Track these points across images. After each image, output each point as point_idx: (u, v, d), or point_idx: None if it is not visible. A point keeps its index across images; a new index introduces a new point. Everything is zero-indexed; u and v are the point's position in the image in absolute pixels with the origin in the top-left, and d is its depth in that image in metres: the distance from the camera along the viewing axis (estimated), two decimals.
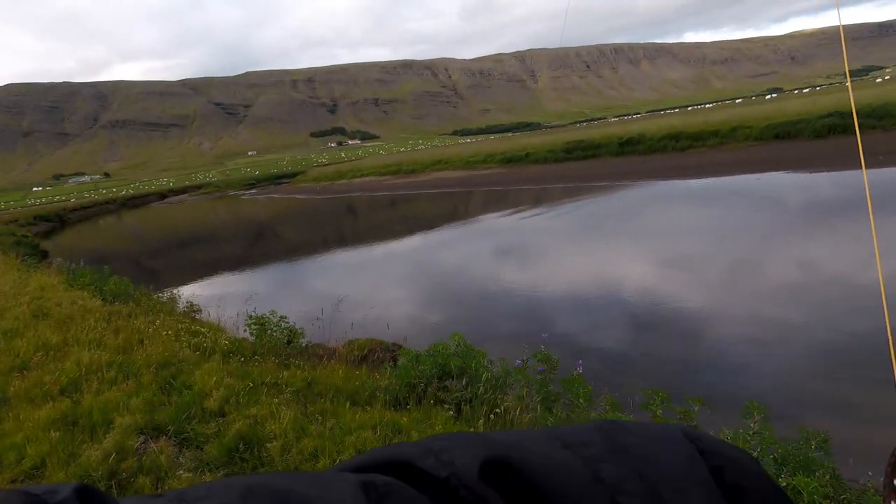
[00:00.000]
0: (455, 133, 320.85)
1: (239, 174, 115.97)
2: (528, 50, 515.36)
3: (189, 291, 13.19)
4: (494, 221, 20.19)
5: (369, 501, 0.27)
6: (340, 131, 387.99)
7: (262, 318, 5.52)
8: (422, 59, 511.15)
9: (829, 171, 19.13)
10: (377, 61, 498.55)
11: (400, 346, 7.76)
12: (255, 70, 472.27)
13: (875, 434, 4.56)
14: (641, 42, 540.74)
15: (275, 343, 5.15)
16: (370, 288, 13.17)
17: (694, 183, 22.02)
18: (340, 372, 4.60)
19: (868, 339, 6.63)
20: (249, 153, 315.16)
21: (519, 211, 21.65)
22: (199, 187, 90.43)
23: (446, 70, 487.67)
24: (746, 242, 12.22)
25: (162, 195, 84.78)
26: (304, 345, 5.67)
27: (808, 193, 16.95)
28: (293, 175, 76.87)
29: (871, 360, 6.14)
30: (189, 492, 0.27)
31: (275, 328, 5.44)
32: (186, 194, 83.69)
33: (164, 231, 40.68)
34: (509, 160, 37.82)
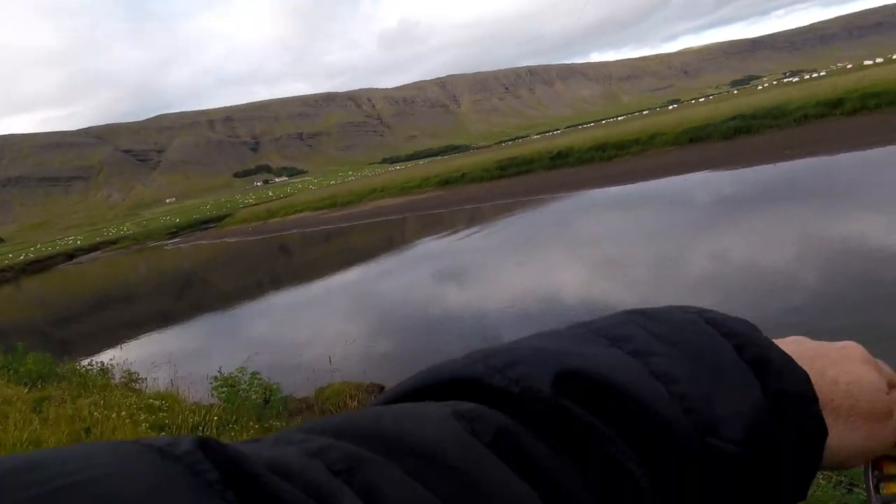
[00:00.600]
0: (384, 161, 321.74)
1: (158, 224, 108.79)
2: (449, 76, 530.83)
3: (119, 358, 11.76)
4: (441, 244, 19.93)
5: (464, 431, 0.26)
6: (265, 169, 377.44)
7: (231, 377, 4.75)
8: (344, 90, 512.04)
9: (745, 167, 20.57)
10: (298, 95, 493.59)
11: (380, 387, 7.15)
12: (166, 113, 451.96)
13: None
14: (553, 63, 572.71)
15: (251, 405, 4.42)
16: (322, 328, 12.37)
17: (626, 188, 22.94)
18: None
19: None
20: (167, 200, 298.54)
21: (464, 230, 21.55)
22: (113, 242, 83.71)
23: (369, 100, 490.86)
24: (692, 238, 12.67)
25: (69, 255, 77.53)
26: (284, 405, 4.95)
27: (735, 188, 18.04)
28: (220, 219, 73.15)
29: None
30: (287, 435, 0.27)
31: (247, 388, 4.70)
32: (99, 251, 77.25)
33: (76, 295, 37.04)
34: (446, 182, 38.00)
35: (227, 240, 45.47)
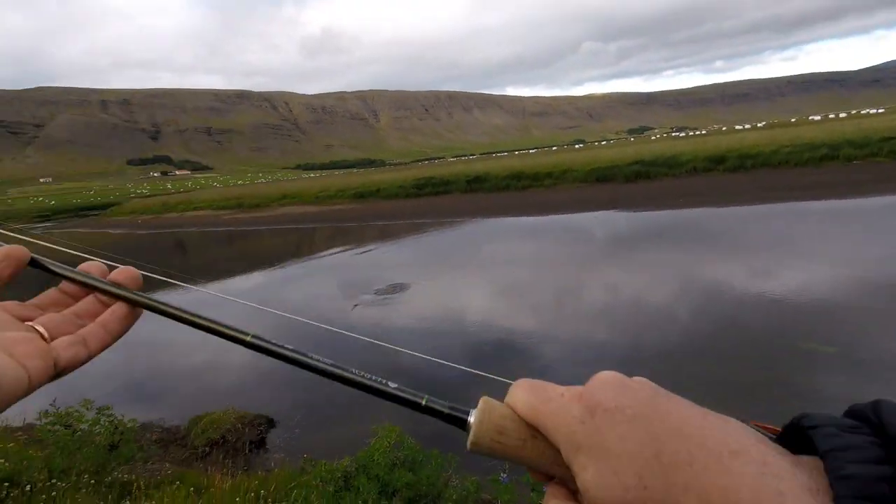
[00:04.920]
0: (298, 167, 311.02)
1: (26, 204, 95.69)
2: (370, 90, 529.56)
3: None
4: (347, 257, 19.07)
5: None
6: (165, 160, 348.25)
7: (69, 413, 3.70)
8: (260, 90, 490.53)
9: (646, 210, 22.06)
10: (209, 89, 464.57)
11: (268, 419, 6.25)
12: (50, 86, 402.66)
13: None
14: (472, 91, 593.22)
15: (91, 451, 3.42)
16: (209, 341, 11.02)
17: (540, 220, 23.64)
18: None
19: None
20: (42, 180, 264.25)
21: (375, 246, 20.87)
22: None
23: (286, 104, 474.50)
24: (597, 274, 13.09)
25: None
26: (139, 445, 3.94)
27: (638, 228, 19.18)
28: (105, 207, 65.74)
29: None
30: None
31: (91, 427, 3.68)
32: None
33: None
34: (361, 195, 37.03)
35: (109, 231, 40.61)
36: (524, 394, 0.33)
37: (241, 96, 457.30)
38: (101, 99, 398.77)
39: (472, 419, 0.33)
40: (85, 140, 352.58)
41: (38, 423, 3.62)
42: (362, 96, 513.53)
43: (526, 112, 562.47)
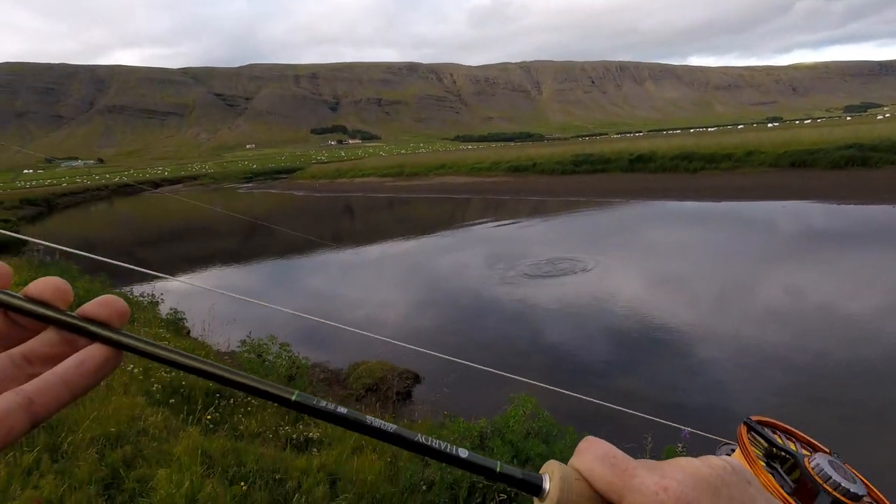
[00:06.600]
0: (457, 138, 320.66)
1: (236, 167, 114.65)
2: (535, 61, 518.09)
3: (175, 290, 12.10)
4: (501, 230, 19.24)
5: None
6: (341, 129, 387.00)
7: (260, 344, 4.46)
8: (427, 62, 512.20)
9: (857, 203, 18.33)
10: (382, 62, 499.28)
11: (415, 375, 6.74)
12: (258, 63, 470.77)
13: None
14: (647, 62, 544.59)
15: (275, 379, 4.11)
16: (370, 298, 12.14)
17: (711, 206, 21.18)
18: (375, 464, 3.31)
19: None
20: (248, 146, 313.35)
21: (526, 223, 20.72)
22: (194, 178, 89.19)
23: (451, 75, 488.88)
24: (777, 276, 11.32)
25: (156, 184, 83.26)
26: (309, 380, 4.60)
27: (843, 226, 16.10)
28: (291, 171, 75.83)
29: None
30: None
31: (275, 359, 4.39)
32: (181, 185, 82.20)
33: (156, 221, 39.42)
34: (516, 169, 36.96)
35: (294, 192, 46.80)
36: (602, 469, 0.29)
37: (411, 68, 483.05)
38: (295, 73, 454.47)
39: (547, 486, 0.31)
40: (280, 111, 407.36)
41: (238, 349, 4.44)
42: (526, 67, 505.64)
43: (709, 85, 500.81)
